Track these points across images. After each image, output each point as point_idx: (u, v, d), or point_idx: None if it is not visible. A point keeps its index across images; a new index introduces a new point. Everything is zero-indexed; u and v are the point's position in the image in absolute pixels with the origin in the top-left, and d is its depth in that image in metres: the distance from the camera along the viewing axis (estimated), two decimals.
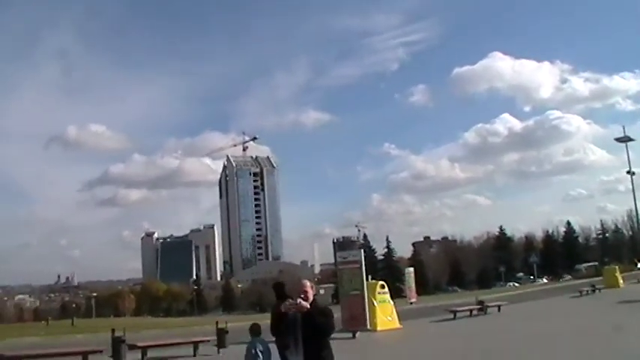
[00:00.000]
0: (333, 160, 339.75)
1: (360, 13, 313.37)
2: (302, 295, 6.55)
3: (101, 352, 20.00)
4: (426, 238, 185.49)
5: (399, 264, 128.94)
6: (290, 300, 6.63)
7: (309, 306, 6.46)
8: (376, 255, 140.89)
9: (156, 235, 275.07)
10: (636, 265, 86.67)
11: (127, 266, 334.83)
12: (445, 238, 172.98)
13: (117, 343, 20.44)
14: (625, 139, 54.10)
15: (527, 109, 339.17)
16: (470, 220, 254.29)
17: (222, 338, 22.82)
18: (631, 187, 56.92)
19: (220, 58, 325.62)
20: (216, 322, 24.46)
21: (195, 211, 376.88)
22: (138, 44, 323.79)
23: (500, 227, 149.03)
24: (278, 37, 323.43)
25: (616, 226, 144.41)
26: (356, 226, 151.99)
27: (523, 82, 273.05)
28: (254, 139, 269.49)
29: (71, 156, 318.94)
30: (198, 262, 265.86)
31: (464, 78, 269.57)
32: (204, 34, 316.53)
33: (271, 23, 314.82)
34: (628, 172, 54.83)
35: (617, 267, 59.69)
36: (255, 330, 10.46)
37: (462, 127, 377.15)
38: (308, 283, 6.79)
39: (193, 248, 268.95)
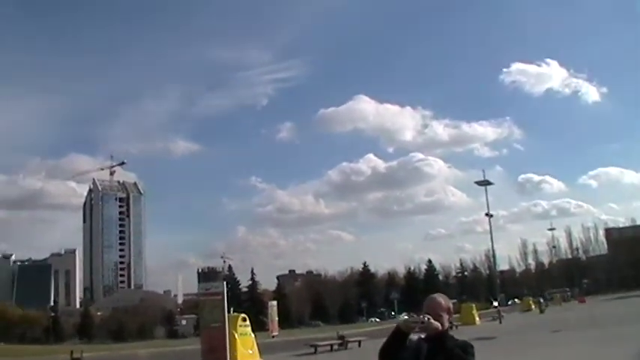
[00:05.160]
0: (200, 189, 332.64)
1: (234, 46, 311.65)
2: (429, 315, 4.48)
3: None
4: (291, 271, 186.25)
5: (264, 297, 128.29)
6: (413, 315, 4.50)
7: (440, 327, 4.46)
8: (240, 287, 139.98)
9: (13, 258, 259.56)
10: (492, 303, 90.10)
11: None
12: (310, 272, 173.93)
13: None
14: (485, 183, 56.87)
15: (390, 150, 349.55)
16: (334, 254, 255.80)
17: None
18: (488, 228, 59.79)
19: (90, 78, 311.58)
20: (71, 352, 23.37)
21: (57, 235, 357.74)
22: (5, 58, 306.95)
23: (364, 263, 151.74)
24: (150, 62, 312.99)
25: (474, 265, 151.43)
26: (221, 257, 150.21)
27: (386, 124, 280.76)
28: (122, 163, 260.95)
29: None
30: (57, 287, 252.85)
31: (330, 118, 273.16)
32: (76, 52, 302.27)
33: (144, 47, 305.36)
34: (487, 214, 57.52)
35: (474, 305, 61.84)
36: None
37: (328, 165, 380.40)
38: (442, 302, 4.64)
39: (52, 273, 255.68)
